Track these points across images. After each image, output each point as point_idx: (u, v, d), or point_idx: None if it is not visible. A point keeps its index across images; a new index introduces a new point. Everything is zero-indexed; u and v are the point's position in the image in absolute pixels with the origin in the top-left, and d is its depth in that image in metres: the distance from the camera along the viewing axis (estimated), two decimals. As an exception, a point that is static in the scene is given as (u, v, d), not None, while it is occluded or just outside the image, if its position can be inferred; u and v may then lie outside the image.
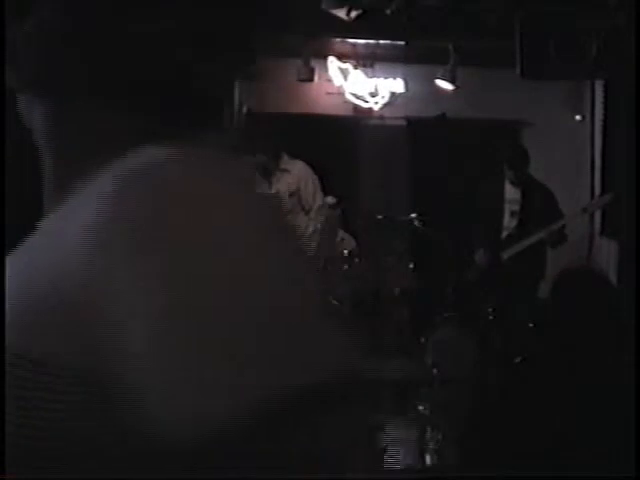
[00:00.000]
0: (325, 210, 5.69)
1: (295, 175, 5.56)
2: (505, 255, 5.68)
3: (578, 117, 7.38)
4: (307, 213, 5.55)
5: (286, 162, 5.55)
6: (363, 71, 7.43)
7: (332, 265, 6.08)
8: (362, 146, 7.62)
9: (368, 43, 6.94)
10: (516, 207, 5.77)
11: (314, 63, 7.01)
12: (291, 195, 5.52)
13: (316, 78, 7.10)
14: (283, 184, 5.55)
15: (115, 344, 0.54)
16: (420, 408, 3.23)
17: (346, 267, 6.07)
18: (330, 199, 6.54)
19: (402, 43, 6.81)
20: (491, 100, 7.23)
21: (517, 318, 5.33)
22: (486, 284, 5.69)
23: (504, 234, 5.78)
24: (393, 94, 7.53)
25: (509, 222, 5.79)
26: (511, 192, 5.80)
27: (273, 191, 5.52)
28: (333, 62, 7.32)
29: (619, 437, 2.15)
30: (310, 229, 5.57)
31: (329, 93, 7.46)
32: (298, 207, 5.56)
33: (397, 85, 7.51)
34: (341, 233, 6.71)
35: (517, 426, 2.29)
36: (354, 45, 7.06)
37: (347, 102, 7.50)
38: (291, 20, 5.95)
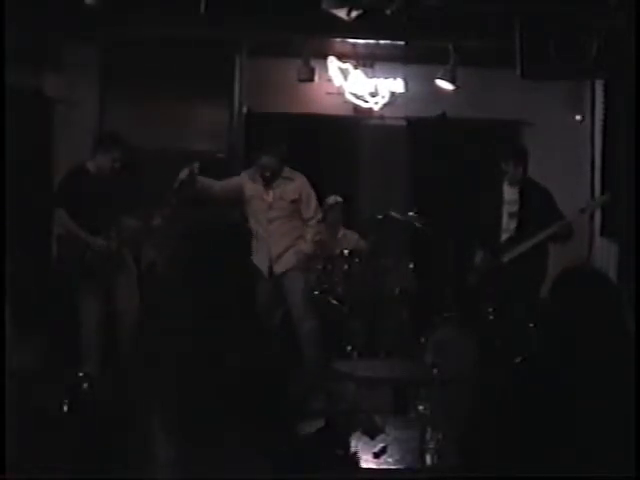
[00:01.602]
0: (321, 223, 5.88)
1: (298, 186, 5.67)
2: (506, 258, 5.61)
3: (578, 117, 7.38)
4: (306, 221, 5.65)
5: (288, 172, 5.65)
6: (363, 71, 7.43)
7: (332, 265, 6.08)
8: (362, 146, 7.62)
9: (368, 43, 6.93)
10: (515, 208, 5.70)
11: (314, 63, 7.01)
12: (292, 202, 5.64)
13: (316, 78, 7.10)
14: (286, 191, 5.64)
15: None
16: (420, 408, 3.22)
17: (346, 267, 6.08)
18: (333, 198, 6.58)
19: (402, 43, 6.81)
20: (491, 100, 7.23)
21: (518, 318, 5.32)
22: (488, 287, 5.65)
23: (504, 236, 5.70)
24: (393, 94, 7.52)
25: (508, 224, 5.71)
26: (509, 193, 5.74)
27: (271, 196, 5.63)
28: (333, 62, 7.32)
29: (619, 437, 2.15)
30: (317, 237, 5.73)
31: (329, 93, 7.46)
32: (296, 214, 5.65)
33: (397, 85, 7.50)
34: (342, 230, 6.72)
35: (517, 426, 2.29)
36: (354, 45, 7.06)
37: (347, 102, 7.50)
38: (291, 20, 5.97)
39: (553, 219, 5.52)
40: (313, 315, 5.62)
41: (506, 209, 5.72)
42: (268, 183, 5.64)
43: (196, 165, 5.40)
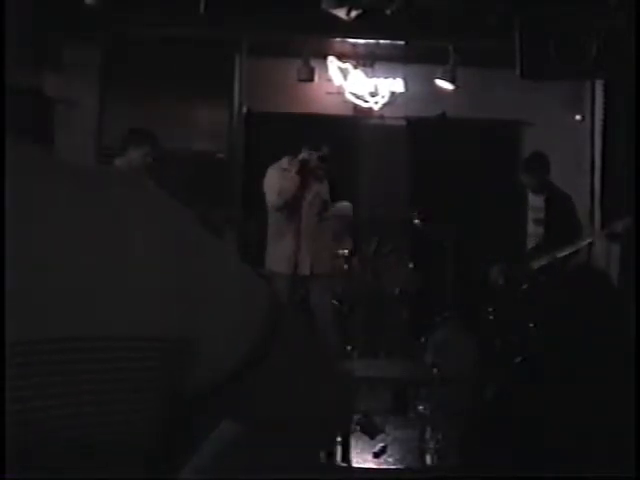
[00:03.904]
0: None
1: (327, 188, 5.60)
2: (535, 265, 5.53)
3: (578, 117, 7.38)
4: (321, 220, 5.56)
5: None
6: (363, 71, 7.43)
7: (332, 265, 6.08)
8: (362, 146, 7.62)
9: (368, 43, 6.93)
10: (541, 215, 5.67)
11: (314, 63, 7.01)
12: (324, 202, 5.54)
13: (316, 78, 7.10)
14: (323, 189, 5.54)
15: None
16: (420, 408, 3.23)
17: (346, 267, 6.08)
18: (349, 208, 6.56)
19: (402, 43, 6.81)
20: (491, 100, 7.23)
21: (517, 318, 5.31)
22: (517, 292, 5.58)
23: (531, 243, 5.67)
24: (393, 94, 7.53)
25: (535, 229, 5.68)
26: (533, 200, 5.71)
27: (314, 190, 5.46)
28: (333, 62, 7.32)
29: (619, 437, 2.15)
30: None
31: (329, 93, 7.46)
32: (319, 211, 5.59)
33: (397, 85, 7.50)
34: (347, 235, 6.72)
35: (517, 426, 2.29)
36: (354, 45, 7.06)
37: (347, 102, 7.50)
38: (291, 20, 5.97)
39: (575, 229, 5.53)
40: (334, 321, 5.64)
41: (531, 215, 5.69)
42: (318, 179, 5.46)
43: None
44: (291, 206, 5.21)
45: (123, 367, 0.64)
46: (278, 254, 5.33)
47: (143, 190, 0.72)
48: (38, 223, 0.64)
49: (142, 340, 0.65)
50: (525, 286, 5.45)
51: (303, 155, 5.26)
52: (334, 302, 6.01)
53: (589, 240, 5.52)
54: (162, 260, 0.68)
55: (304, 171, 5.15)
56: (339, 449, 3.01)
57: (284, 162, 5.40)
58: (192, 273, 0.70)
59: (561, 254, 5.42)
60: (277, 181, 5.28)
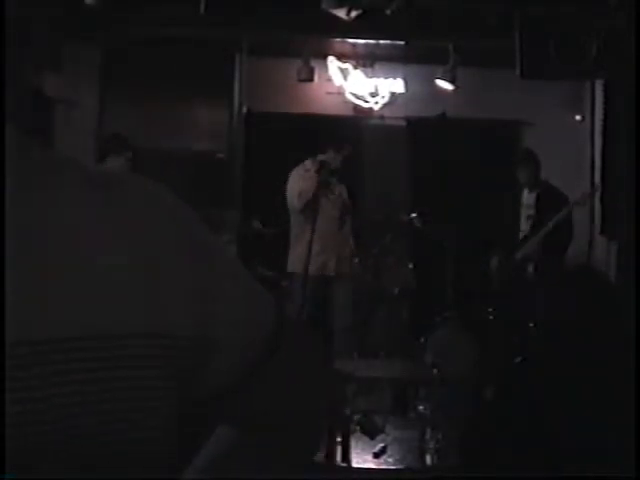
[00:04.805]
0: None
1: (346, 189, 5.77)
2: (518, 255, 5.72)
3: (578, 117, 7.38)
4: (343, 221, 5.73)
5: None
6: (363, 71, 7.42)
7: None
8: (362, 146, 7.61)
9: (368, 43, 6.93)
10: (531, 211, 5.82)
11: (314, 63, 7.01)
12: (344, 202, 5.69)
13: (316, 78, 7.10)
14: (343, 190, 5.71)
15: None
16: (420, 408, 3.23)
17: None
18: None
19: (402, 43, 6.81)
20: (491, 100, 7.23)
21: (518, 318, 5.33)
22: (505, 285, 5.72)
23: (520, 237, 5.84)
24: (393, 94, 7.52)
25: (527, 226, 5.83)
26: (526, 197, 5.85)
27: (337, 190, 5.65)
28: (333, 62, 7.32)
29: (619, 437, 2.15)
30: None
31: (329, 93, 7.46)
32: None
33: (397, 85, 7.50)
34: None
35: (517, 426, 2.29)
36: (354, 45, 7.06)
37: (347, 102, 7.50)
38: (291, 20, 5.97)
39: (570, 228, 5.65)
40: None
41: (524, 212, 5.83)
42: (339, 181, 5.59)
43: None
44: (312, 206, 5.22)
45: (125, 366, 0.64)
46: (301, 255, 5.28)
47: (147, 190, 0.72)
48: (39, 223, 0.64)
49: (145, 338, 0.65)
50: (512, 274, 5.59)
51: (324, 156, 5.39)
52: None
53: (565, 212, 5.60)
54: (166, 259, 0.68)
55: (323, 171, 5.23)
56: (339, 449, 3.02)
57: (308, 163, 5.59)
58: (197, 272, 0.70)
59: (538, 237, 5.55)
60: (298, 183, 5.39)
